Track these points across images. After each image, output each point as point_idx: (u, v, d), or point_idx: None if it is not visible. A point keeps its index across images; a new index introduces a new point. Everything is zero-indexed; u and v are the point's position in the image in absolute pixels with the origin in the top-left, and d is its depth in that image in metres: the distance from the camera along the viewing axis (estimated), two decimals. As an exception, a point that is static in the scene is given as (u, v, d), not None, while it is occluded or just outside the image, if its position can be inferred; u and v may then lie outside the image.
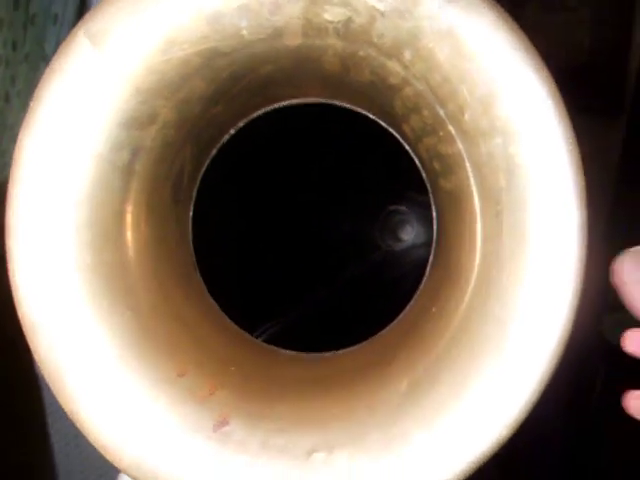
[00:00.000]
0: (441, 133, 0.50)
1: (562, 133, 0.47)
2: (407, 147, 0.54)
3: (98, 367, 0.52)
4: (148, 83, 0.52)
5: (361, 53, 0.51)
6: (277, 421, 0.52)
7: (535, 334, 0.46)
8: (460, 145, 0.49)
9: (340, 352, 0.56)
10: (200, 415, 0.52)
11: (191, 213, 0.58)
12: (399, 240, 0.79)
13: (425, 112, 0.51)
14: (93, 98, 0.51)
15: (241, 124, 0.57)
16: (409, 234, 0.79)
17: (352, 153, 0.70)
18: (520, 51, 0.47)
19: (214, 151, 0.58)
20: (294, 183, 0.68)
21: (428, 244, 0.58)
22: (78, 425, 0.52)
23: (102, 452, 0.51)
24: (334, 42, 0.51)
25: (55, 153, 0.51)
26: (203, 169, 0.58)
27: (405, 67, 0.50)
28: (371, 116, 0.56)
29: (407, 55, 0.49)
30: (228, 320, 0.58)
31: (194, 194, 0.58)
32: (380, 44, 0.50)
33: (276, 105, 0.57)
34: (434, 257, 0.55)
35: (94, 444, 0.51)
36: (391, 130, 0.55)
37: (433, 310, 0.51)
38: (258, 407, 0.53)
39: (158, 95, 0.53)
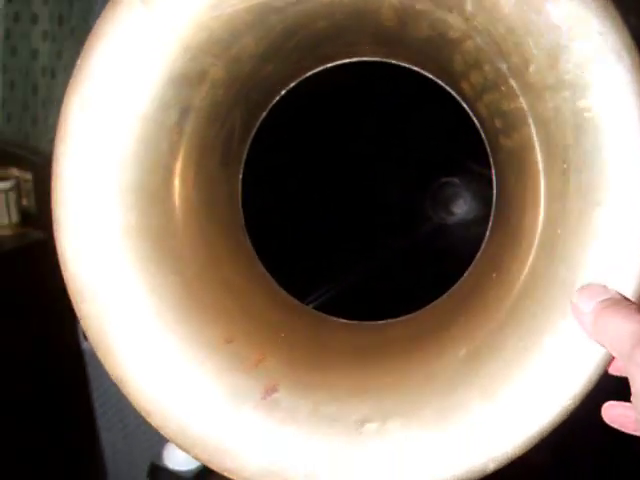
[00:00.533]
0: (503, 88, 0.48)
1: (637, 87, 0.44)
2: (465, 106, 0.52)
3: (144, 332, 0.51)
4: (197, 40, 0.51)
5: (418, 6, 0.49)
6: (328, 389, 0.50)
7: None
8: (523, 100, 0.47)
9: (393, 321, 0.54)
10: (248, 383, 0.50)
11: (241, 175, 0.56)
12: (451, 213, 0.76)
13: (486, 67, 0.48)
14: (141, 55, 0.50)
15: (292, 85, 0.55)
16: (461, 207, 0.76)
17: (406, 116, 0.67)
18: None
19: (264, 113, 0.56)
20: (346, 147, 0.66)
21: (480, 220, 0.56)
22: (124, 391, 0.50)
23: (147, 418, 0.50)
24: (391, -6, 0.49)
25: (101, 111, 0.50)
26: (254, 131, 0.56)
27: (466, 19, 0.47)
28: (428, 75, 0.53)
29: (469, 6, 0.47)
30: (277, 286, 0.56)
31: (244, 156, 0.56)
32: (439, -5, 0.47)
33: (328, 65, 0.55)
34: (493, 221, 0.52)
35: (139, 410, 0.50)
36: (449, 89, 0.52)
37: (493, 276, 0.49)
38: (308, 375, 0.51)
39: (207, 53, 0.51)
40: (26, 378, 1.22)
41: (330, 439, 0.48)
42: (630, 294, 0.44)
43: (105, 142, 0.50)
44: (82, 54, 0.51)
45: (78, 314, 0.52)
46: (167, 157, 0.52)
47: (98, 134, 0.50)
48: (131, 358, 0.50)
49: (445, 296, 0.53)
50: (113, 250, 0.51)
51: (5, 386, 1.14)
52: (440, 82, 0.52)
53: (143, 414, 0.50)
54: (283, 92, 0.56)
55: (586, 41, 0.44)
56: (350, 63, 0.54)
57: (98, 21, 0.51)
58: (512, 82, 0.47)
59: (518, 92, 0.47)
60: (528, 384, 0.45)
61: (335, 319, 0.55)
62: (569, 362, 0.44)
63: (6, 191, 1.18)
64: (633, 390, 0.39)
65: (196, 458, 0.49)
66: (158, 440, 1.38)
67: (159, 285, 0.51)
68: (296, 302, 0.56)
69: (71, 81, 0.50)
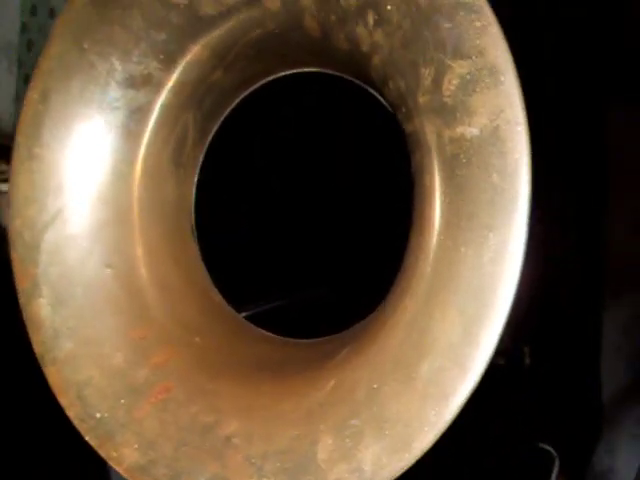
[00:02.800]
0: (404, 109, 0.44)
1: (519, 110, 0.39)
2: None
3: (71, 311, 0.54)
4: (142, 46, 0.53)
5: (333, 17, 0.47)
6: (214, 399, 0.50)
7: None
8: (417, 122, 0.43)
9: (309, 341, 0.52)
10: (147, 380, 0.52)
11: (196, 178, 0.57)
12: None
13: (391, 85, 0.45)
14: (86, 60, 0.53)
15: (243, 95, 0.55)
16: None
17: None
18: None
19: (221, 118, 0.56)
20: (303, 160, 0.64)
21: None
22: (44, 370, 0.54)
23: (58, 397, 0.53)
24: (308, 4, 0.47)
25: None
26: (210, 136, 0.57)
27: (370, 32, 0.45)
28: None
29: (371, 19, 0.44)
30: (214, 291, 0.57)
31: (200, 159, 0.57)
32: (346, 6, 0.45)
33: (274, 76, 0.54)
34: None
35: (54, 388, 0.54)
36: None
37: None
38: (204, 382, 0.51)
39: (152, 57, 0.53)
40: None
41: (196, 452, 0.48)
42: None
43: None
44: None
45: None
46: (115, 155, 0.55)
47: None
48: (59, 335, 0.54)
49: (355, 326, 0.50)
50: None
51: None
52: (372, 91, 0.50)
53: (55, 392, 0.54)
54: (237, 100, 0.56)
55: (466, 60, 0.40)
56: (295, 73, 0.53)
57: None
58: (409, 102, 0.43)
59: (413, 113, 0.43)
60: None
61: (260, 331, 0.55)
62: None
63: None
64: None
65: (89, 442, 0.52)
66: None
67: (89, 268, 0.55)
68: (228, 309, 0.56)
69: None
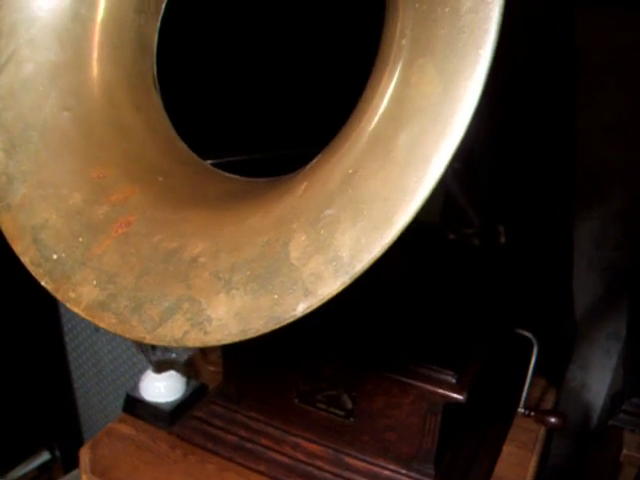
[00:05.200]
0: None
1: None
2: None
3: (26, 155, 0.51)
4: None
5: None
6: (177, 227, 0.47)
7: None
8: None
9: (275, 178, 0.49)
10: (108, 216, 0.49)
11: (158, 24, 0.55)
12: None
13: None
14: None
15: None
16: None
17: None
18: None
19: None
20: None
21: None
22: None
23: (11, 243, 0.50)
24: None
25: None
26: (173, -19, 0.54)
27: None
28: None
29: None
30: (177, 138, 0.54)
31: (163, 7, 0.55)
32: None
33: None
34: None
35: (7, 236, 0.50)
36: None
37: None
38: (167, 214, 0.48)
39: None
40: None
41: (159, 279, 0.45)
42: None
43: None
44: None
45: None
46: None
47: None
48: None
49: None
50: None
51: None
52: None
53: (9, 239, 0.50)
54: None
55: None
56: None
57: None
58: None
59: None
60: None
61: (224, 173, 0.52)
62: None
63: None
64: None
65: (45, 286, 0.48)
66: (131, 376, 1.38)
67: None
68: (191, 154, 0.53)
69: None
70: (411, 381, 0.61)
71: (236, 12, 0.58)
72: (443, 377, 0.60)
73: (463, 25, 0.36)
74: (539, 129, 0.81)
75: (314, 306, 0.39)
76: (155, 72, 0.55)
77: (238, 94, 0.61)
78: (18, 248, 0.50)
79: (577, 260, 0.89)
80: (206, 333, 0.43)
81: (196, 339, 0.43)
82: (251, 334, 0.41)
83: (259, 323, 0.41)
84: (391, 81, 0.39)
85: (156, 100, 0.55)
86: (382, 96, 0.39)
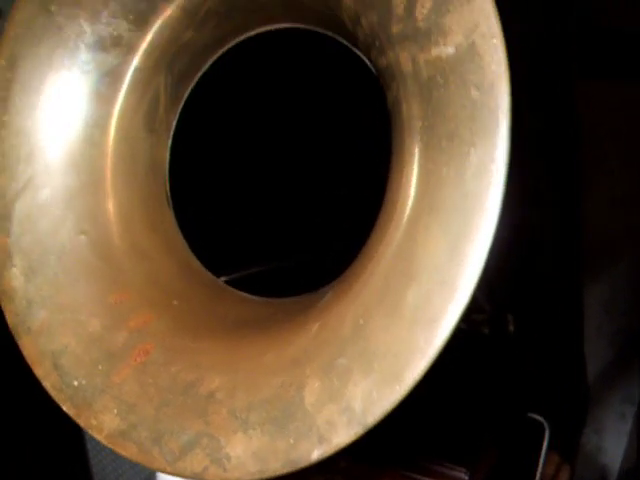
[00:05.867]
0: (377, 43, 0.44)
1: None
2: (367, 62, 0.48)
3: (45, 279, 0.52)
4: (111, 6, 0.52)
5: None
6: (194, 357, 0.48)
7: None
8: (391, 54, 0.42)
9: (290, 298, 0.51)
10: (126, 343, 0.50)
11: (170, 143, 0.56)
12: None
13: (363, 21, 0.44)
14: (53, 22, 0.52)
15: (215, 57, 0.54)
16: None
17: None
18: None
19: (193, 83, 0.56)
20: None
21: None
22: (19, 342, 0.52)
23: (33, 368, 0.51)
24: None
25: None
26: (183, 100, 0.56)
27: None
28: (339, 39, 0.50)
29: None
30: (191, 257, 0.55)
31: (173, 125, 0.56)
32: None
33: (247, 34, 0.53)
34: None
35: (29, 360, 0.52)
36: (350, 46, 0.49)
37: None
38: (184, 342, 0.50)
39: (122, 17, 0.53)
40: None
41: (178, 411, 0.46)
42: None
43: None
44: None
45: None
46: (87, 121, 0.54)
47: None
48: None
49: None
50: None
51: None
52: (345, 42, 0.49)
53: (30, 363, 0.51)
54: (209, 63, 0.55)
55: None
56: (268, 31, 0.53)
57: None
58: (382, 35, 0.43)
59: (386, 46, 0.43)
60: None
61: (241, 293, 0.53)
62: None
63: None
64: None
65: (67, 412, 0.50)
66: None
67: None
68: (207, 274, 0.55)
69: None
70: (425, 478, 0.62)
71: (246, 129, 0.59)
72: (455, 474, 0.61)
73: (467, 191, 0.38)
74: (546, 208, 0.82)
75: (328, 454, 0.41)
76: (168, 190, 0.56)
77: (251, 207, 0.63)
78: (39, 372, 0.51)
79: (587, 325, 0.90)
80: (225, 470, 0.44)
81: (215, 475, 0.44)
82: (268, 474, 0.43)
83: (276, 465, 0.42)
84: (398, 238, 0.40)
85: (170, 218, 0.56)
86: (389, 257, 0.40)
